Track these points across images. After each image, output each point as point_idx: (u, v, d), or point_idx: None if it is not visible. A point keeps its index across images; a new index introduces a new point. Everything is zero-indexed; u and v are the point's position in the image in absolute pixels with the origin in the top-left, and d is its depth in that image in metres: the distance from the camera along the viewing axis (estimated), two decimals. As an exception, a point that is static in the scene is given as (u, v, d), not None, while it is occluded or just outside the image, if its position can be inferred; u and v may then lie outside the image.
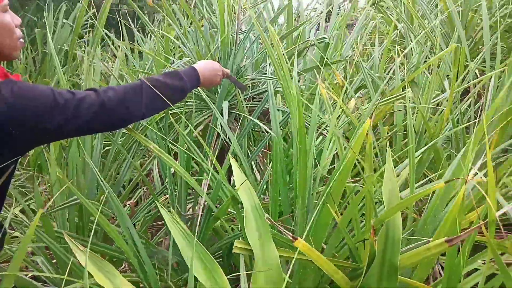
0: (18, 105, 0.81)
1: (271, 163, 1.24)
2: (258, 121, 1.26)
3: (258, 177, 1.47)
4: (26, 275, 1.46)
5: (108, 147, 1.98)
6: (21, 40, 0.93)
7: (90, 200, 1.47)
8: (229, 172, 1.55)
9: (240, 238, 1.06)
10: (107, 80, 3.06)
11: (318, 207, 0.93)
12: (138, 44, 2.95)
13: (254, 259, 0.91)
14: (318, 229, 1.00)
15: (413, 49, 2.29)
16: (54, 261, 1.49)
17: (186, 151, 1.36)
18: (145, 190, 1.85)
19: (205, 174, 1.33)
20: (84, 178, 1.60)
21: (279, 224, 0.85)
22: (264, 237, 0.91)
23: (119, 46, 2.35)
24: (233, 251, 0.95)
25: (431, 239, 0.86)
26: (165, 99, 1.00)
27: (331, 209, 0.90)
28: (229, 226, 1.21)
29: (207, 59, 1.74)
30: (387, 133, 1.76)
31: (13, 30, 0.90)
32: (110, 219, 1.53)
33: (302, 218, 1.03)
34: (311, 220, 0.93)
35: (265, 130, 1.43)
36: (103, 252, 1.37)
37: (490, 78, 1.56)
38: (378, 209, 1.16)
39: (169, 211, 1.43)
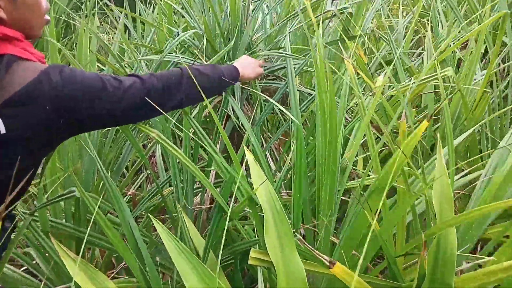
0: (69, 90, 0.79)
1: (290, 156, 1.09)
2: (279, 106, 1.09)
3: (273, 167, 1.31)
4: (19, 269, 1.34)
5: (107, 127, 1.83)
6: (47, 16, 0.89)
7: (88, 192, 1.34)
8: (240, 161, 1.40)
9: (257, 246, 0.92)
10: (106, 53, 2.87)
11: (352, 215, 0.78)
12: (140, 14, 2.74)
13: (274, 271, 0.77)
14: (349, 239, 0.85)
15: (439, 21, 2.07)
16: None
17: (193, 136, 1.20)
18: (149, 174, 1.71)
19: (213, 163, 1.17)
20: (81, 161, 1.45)
21: (303, 237, 0.70)
22: (287, 248, 0.76)
23: (119, 17, 2.16)
24: (249, 262, 0.80)
25: (493, 257, 0.71)
26: (201, 89, 0.97)
27: (369, 217, 0.75)
28: (242, 226, 1.07)
29: (216, 32, 1.56)
30: (414, 116, 1.58)
31: (41, 6, 0.86)
32: (110, 210, 1.40)
33: (327, 227, 0.88)
34: (343, 230, 0.78)
35: (288, 117, 1.26)
36: (103, 246, 1.24)
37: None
38: (417, 205, 1.00)
39: (174, 204, 1.31)
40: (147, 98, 0.90)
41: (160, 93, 0.93)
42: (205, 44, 1.47)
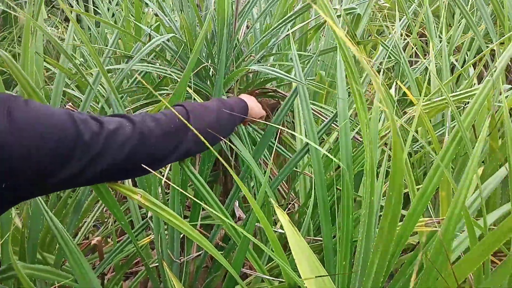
0: (20, 141, 0.49)
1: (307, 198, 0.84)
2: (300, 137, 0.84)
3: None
4: None
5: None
6: None
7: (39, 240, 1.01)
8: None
9: None
10: (57, 52, 2.48)
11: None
12: (96, 7, 2.37)
13: None
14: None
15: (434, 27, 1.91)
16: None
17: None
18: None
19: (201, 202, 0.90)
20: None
21: None
22: None
23: (71, 7, 1.80)
24: None
25: None
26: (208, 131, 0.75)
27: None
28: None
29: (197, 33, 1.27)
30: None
31: None
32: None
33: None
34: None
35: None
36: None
37: None
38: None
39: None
40: (140, 147, 0.63)
41: (159, 141, 0.66)
42: (182, 49, 1.18)
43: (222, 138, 0.81)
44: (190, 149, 0.72)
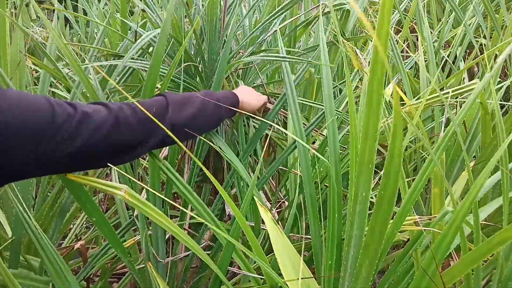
0: (6, 125, 0.53)
1: (295, 196, 0.82)
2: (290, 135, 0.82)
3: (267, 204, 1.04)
4: None
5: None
6: None
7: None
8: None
9: None
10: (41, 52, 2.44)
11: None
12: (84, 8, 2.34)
13: None
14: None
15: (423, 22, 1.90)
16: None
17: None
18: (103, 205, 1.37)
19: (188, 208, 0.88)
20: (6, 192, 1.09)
21: None
22: None
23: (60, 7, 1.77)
24: None
25: None
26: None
27: None
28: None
29: (186, 29, 1.25)
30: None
31: None
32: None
33: None
34: None
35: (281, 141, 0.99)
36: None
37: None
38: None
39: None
40: (113, 135, 0.63)
41: (133, 128, 0.66)
42: (170, 45, 1.16)
43: (204, 130, 0.81)
44: (165, 140, 0.72)
